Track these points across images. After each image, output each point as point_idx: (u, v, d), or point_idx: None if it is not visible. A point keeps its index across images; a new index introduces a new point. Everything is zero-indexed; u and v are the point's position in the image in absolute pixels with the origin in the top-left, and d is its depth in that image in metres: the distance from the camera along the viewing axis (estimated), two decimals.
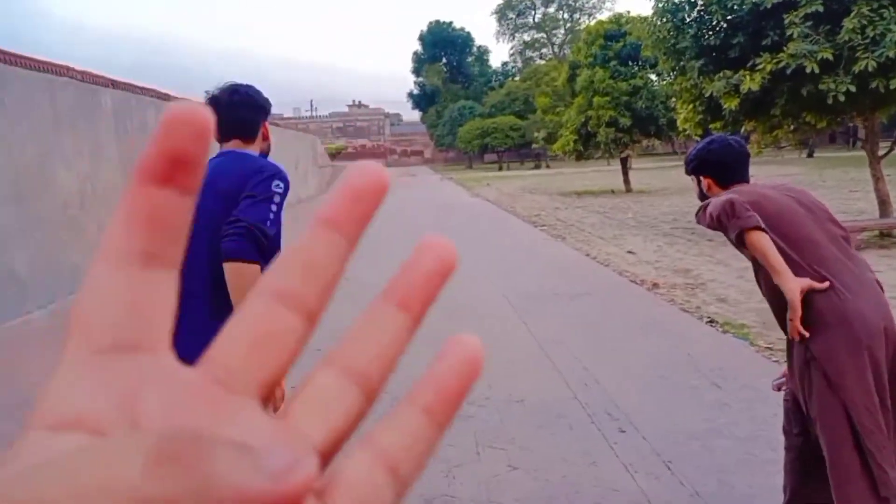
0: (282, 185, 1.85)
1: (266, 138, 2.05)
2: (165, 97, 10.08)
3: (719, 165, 2.16)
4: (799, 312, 1.85)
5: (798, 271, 1.89)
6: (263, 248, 1.75)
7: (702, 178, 2.21)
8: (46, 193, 6.94)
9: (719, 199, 1.99)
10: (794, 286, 1.84)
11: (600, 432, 3.45)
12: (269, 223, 1.77)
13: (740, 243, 1.94)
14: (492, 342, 5.13)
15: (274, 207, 1.81)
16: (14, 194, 6.41)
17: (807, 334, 1.89)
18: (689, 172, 2.28)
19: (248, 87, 1.98)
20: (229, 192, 1.81)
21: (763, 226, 1.88)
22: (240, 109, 1.93)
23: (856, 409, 1.83)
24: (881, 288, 2.01)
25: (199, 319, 1.35)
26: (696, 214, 2.14)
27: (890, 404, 1.89)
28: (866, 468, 1.82)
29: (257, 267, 1.72)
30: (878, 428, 1.84)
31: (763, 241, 1.86)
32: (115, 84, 8.14)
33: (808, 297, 1.87)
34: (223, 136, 1.94)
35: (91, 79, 7.56)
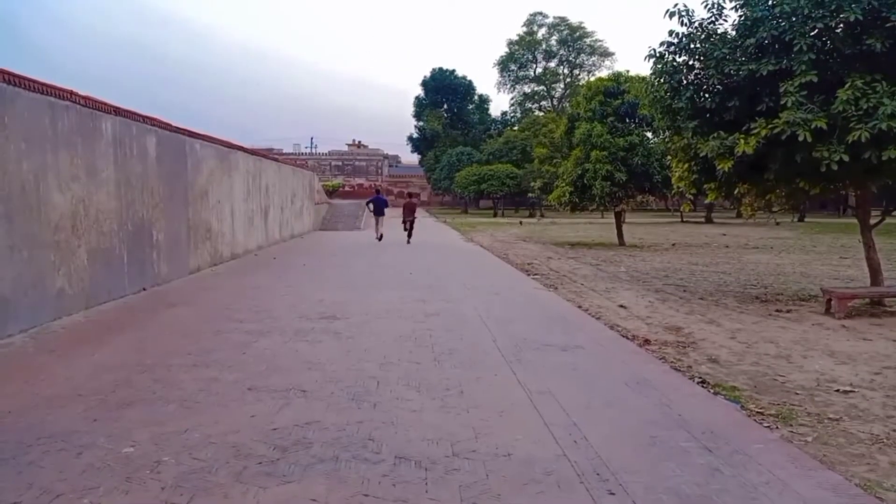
0: (372, 203, 21.91)
1: (379, 193, 23.12)
2: (167, 126, 10.11)
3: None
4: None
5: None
6: (381, 209, 21.49)
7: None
8: (38, 214, 6.86)
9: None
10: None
11: (589, 493, 3.34)
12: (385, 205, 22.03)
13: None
14: (481, 390, 5.06)
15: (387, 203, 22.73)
16: (4, 212, 6.33)
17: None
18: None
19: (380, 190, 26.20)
20: (383, 201, 21.86)
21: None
22: (379, 192, 23.49)
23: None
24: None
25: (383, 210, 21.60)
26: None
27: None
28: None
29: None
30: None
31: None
32: (117, 111, 8.16)
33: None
34: (377, 192, 23.02)
35: (93, 104, 7.58)
